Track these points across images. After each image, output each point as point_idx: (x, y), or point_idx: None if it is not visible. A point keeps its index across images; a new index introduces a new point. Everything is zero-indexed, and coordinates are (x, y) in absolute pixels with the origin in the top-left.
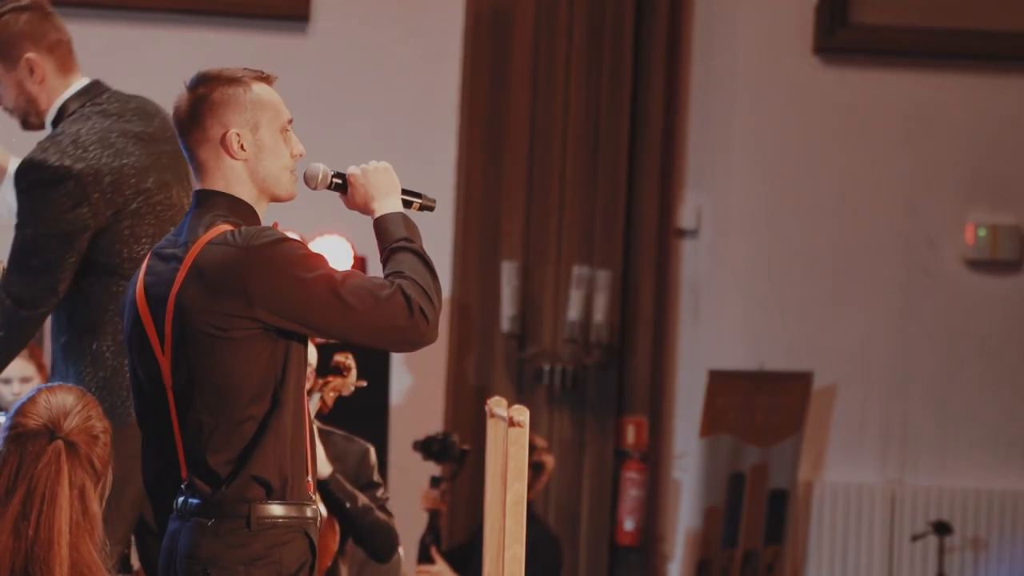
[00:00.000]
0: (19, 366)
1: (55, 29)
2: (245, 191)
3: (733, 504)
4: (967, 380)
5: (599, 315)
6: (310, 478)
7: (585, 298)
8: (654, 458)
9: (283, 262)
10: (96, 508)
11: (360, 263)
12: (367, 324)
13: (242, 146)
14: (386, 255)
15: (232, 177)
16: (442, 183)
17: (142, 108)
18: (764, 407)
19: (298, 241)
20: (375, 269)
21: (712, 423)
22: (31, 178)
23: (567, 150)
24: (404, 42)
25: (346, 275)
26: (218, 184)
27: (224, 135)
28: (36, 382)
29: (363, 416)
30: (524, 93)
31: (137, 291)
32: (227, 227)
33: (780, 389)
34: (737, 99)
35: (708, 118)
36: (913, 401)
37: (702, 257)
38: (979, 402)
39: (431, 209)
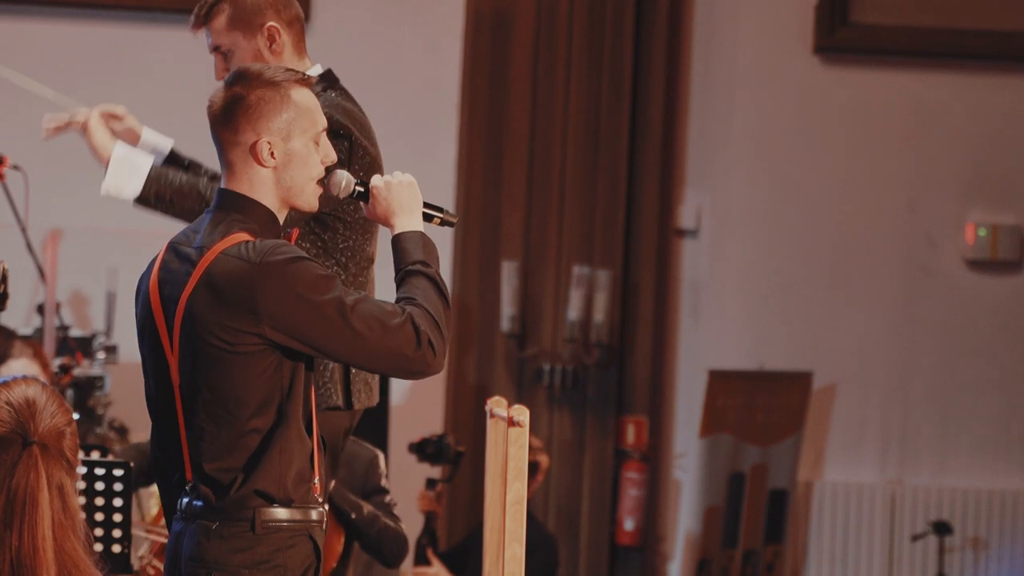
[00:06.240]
0: (23, 365)
1: (293, 4)
2: (268, 198)
3: (733, 504)
4: (967, 380)
5: (599, 315)
6: (316, 481)
7: (585, 298)
8: (654, 458)
9: (294, 282)
10: (75, 502)
11: None
12: (373, 351)
13: (272, 154)
14: (401, 276)
15: (257, 182)
16: (442, 183)
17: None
18: (764, 407)
19: (313, 261)
20: None
21: (712, 423)
22: None
23: (567, 150)
24: (404, 42)
25: (357, 300)
26: (242, 187)
27: (255, 142)
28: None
29: (363, 416)
30: (524, 93)
31: (151, 284)
32: (244, 236)
33: (780, 389)
34: (737, 99)
35: (708, 118)
36: (913, 401)
37: (702, 257)
38: (979, 402)
39: (452, 225)
